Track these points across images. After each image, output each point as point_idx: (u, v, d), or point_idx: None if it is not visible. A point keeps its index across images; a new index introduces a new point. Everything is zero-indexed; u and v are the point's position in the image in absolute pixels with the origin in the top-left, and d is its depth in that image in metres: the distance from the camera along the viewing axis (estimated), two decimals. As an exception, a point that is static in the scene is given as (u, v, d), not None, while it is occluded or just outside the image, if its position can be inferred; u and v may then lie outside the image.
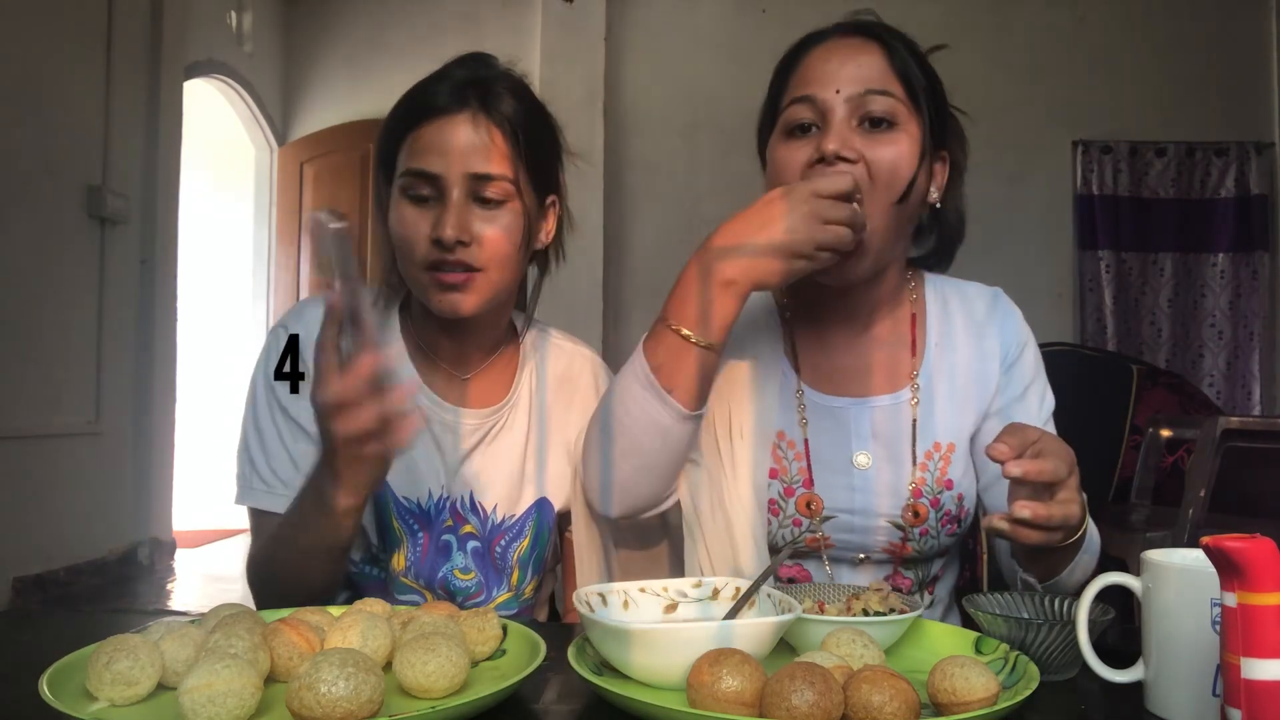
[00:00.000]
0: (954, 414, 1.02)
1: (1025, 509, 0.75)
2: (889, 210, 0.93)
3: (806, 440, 1.02)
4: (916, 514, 1.00)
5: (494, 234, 0.99)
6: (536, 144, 1.03)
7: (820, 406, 1.03)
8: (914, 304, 1.06)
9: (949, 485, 1.01)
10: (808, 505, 1.01)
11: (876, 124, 0.92)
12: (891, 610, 0.81)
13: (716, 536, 0.98)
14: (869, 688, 0.59)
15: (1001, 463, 0.76)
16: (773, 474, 1.01)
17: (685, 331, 0.88)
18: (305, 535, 0.91)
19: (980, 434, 1.03)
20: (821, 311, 1.04)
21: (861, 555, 1.02)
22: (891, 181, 0.92)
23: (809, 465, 1.01)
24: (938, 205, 1.00)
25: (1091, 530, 0.92)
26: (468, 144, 0.98)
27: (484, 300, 1.01)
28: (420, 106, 1.00)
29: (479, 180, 0.98)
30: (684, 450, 0.94)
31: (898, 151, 0.92)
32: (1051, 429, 1.03)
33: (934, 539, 1.01)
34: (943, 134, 0.99)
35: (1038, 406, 1.04)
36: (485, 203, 0.99)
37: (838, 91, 0.92)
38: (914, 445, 1.01)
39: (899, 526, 1.00)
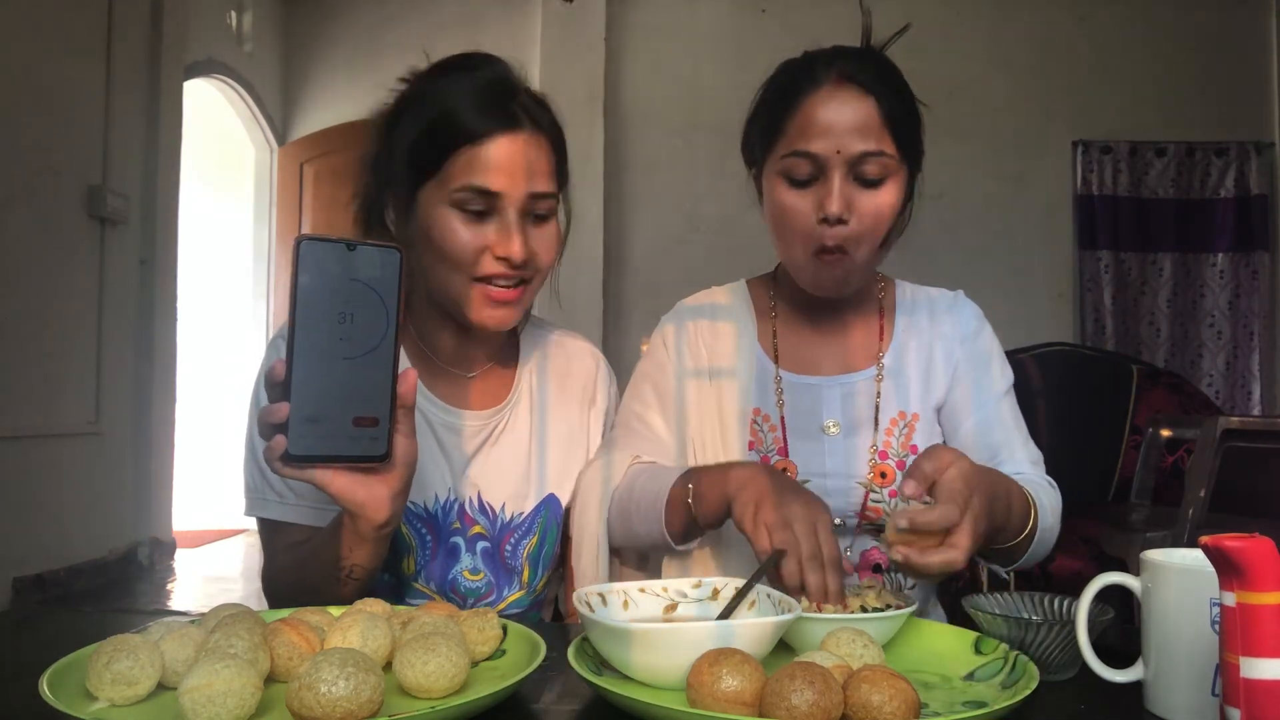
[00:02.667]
0: (919, 388, 1.14)
1: (900, 554, 0.80)
2: (873, 245, 1.05)
3: (783, 416, 1.13)
4: (883, 475, 1.10)
5: (545, 247, 1.03)
6: (565, 158, 1.07)
7: (796, 385, 1.15)
8: (884, 301, 1.19)
9: (914, 450, 1.11)
10: (782, 471, 1.09)
11: (870, 183, 1.03)
12: (889, 606, 0.81)
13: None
14: (869, 687, 0.59)
15: (910, 499, 0.82)
16: (751, 446, 1.13)
17: (694, 511, 0.99)
18: (332, 556, 0.89)
19: (948, 402, 1.14)
20: (803, 308, 1.18)
21: (836, 520, 1.09)
22: (880, 228, 1.04)
23: (784, 435, 1.12)
24: (907, 219, 1.11)
25: (1045, 505, 1.00)
26: (530, 163, 1.00)
27: (524, 311, 1.05)
28: (479, 120, 0.98)
29: (535, 199, 1.01)
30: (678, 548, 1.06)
31: (887, 203, 1.04)
32: (1011, 400, 1.14)
33: (904, 502, 1.06)
34: (919, 158, 1.09)
35: (999, 377, 1.15)
36: (536, 219, 1.02)
37: (838, 152, 1.01)
38: (880, 413, 1.12)
39: (869, 488, 1.09)
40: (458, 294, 1.01)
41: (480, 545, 1.08)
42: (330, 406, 0.77)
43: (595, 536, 1.08)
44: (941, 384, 1.14)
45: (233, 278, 5.79)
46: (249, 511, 1.04)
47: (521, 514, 1.10)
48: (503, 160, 0.98)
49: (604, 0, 5.27)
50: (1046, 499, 1.02)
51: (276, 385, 0.77)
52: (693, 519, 0.99)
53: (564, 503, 1.13)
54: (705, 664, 0.61)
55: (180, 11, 4.65)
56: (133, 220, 4.33)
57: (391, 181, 1.04)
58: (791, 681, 0.58)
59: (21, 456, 3.66)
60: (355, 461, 0.80)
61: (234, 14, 5.30)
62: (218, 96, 5.41)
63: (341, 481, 0.81)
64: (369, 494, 0.82)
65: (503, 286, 1.01)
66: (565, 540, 1.16)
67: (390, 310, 0.78)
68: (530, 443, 1.12)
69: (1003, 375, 1.15)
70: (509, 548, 1.09)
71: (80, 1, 4.02)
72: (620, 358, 5.04)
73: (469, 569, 1.07)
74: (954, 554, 0.79)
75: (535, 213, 1.01)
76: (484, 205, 0.99)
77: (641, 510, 1.04)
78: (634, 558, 1.15)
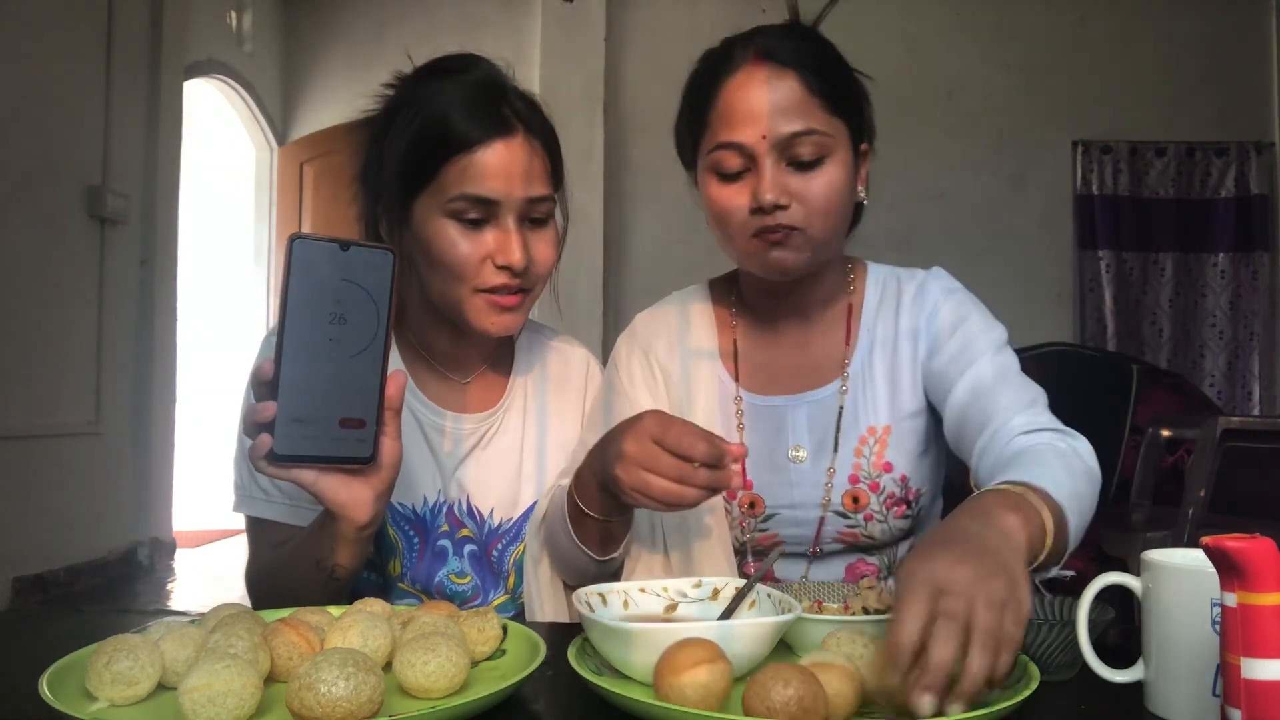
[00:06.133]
0: (888, 396, 1.04)
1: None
2: (827, 230, 0.97)
3: (743, 443, 1.05)
4: (856, 500, 1.03)
5: (545, 253, 1.01)
6: (560, 158, 1.06)
7: (758, 408, 1.07)
8: (852, 295, 1.09)
9: (887, 468, 1.03)
10: (750, 505, 1.05)
11: (805, 165, 0.95)
12: (890, 608, 0.80)
13: (679, 546, 1.02)
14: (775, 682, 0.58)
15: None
16: None
17: (585, 510, 0.92)
18: (314, 555, 0.89)
19: (931, 389, 1.02)
20: (765, 314, 1.09)
21: (814, 549, 1.05)
22: (826, 210, 0.96)
23: (745, 467, 1.05)
24: (863, 201, 1.04)
25: (1064, 477, 0.78)
26: (525, 167, 0.98)
27: (526, 315, 1.04)
28: (471, 126, 0.97)
29: (532, 203, 0.99)
30: (612, 570, 0.99)
31: (829, 183, 0.95)
32: (1007, 356, 0.99)
33: (882, 523, 1.03)
34: (863, 131, 1.01)
35: (976, 338, 1.00)
36: (534, 223, 1.01)
37: (764, 137, 0.94)
38: (846, 431, 1.03)
39: (842, 515, 1.03)
40: (460, 304, 1.00)
41: (468, 549, 1.07)
42: (317, 407, 0.77)
43: (541, 583, 1.02)
44: (911, 386, 1.04)
45: (233, 278, 5.79)
46: (237, 508, 1.04)
47: (511, 519, 1.09)
48: (498, 166, 0.97)
49: (604, 0, 5.27)
50: (1063, 468, 0.79)
51: (264, 384, 0.77)
52: (596, 522, 0.93)
53: None
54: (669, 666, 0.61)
55: (180, 11, 4.65)
56: (133, 220, 4.33)
57: (384, 193, 1.02)
58: (774, 681, 0.57)
59: (21, 456, 3.66)
60: (340, 462, 0.80)
61: (234, 14, 5.30)
62: (218, 96, 5.41)
63: (325, 481, 0.81)
64: (352, 495, 0.82)
65: (506, 294, 0.99)
66: None
67: (381, 312, 0.78)
68: (522, 448, 1.11)
69: (983, 334, 1.00)
70: (496, 553, 1.08)
71: (80, 1, 4.02)
72: (620, 358, 5.02)
73: (455, 572, 1.07)
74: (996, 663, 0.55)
75: (533, 216, 1.00)
76: (481, 213, 0.97)
77: (560, 533, 0.96)
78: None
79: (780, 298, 1.07)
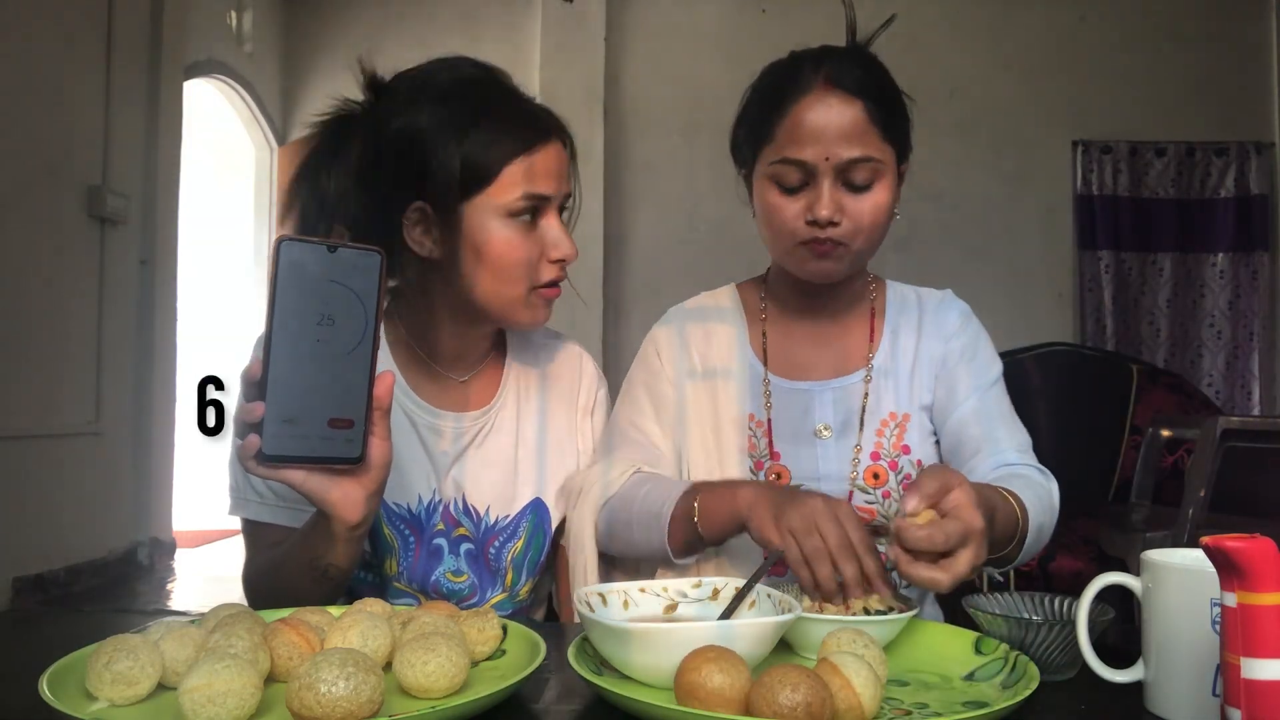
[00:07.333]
0: (908, 388, 1.14)
1: (893, 554, 0.77)
2: (868, 245, 1.06)
3: (770, 419, 1.13)
4: (876, 476, 1.10)
5: (572, 249, 1.06)
6: (576, 156, 1.10)
7: (787, 390, 1.15)
8: (874, 301, 1.19)
9: (905, 450, 1.11)
10: (776, 476, 1.11)
11: (859, 187, 1.03)
12: (891, 609, 0.81)
13: None
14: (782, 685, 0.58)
15: (909, 514, 0.77)
16: (749, 449, 1.13)
17: (700, 529, 0.98)
18: (308, 555, 0.89)
19: (935, 401, 1.13)
20: (794, 310, 1.18)
21: None
22: (871, 228, 1.05)
23: (772, 441, 1.13)
24: (897, 215, 1.10)
25: (1034, 506, 0.95)
26: (566, 167, 1.04)
27: None
28: (527, 129, 1.00)
29: (566, 199, 1.05)
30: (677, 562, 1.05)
31: (877, 204, 1.04)
32: (998, 391, 1.13)
33: (897, 502, 1.08)
34: (906, 153, 1.09)
35: (984, 369, 1.13)
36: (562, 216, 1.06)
37: (826, 159, 1.02)
38: (870, 414, 1.12)
39: (863, 490, 1.10)
40: (513, 301, 1.03)
41: (464, 547, 1.08)
42: (306, 407, 0.77)
43: (589, 546, 1.08)
44: (928, 384, 1.13)
45: (233, 278, 5.79)
46: (232, 511, 1.05)
47: (507, 517, 1.10)
48: (553, 165, 1.01)
49: (604, 0, 5.27)
50: (1036, 495, 0.98)
51: (252, 384, 0.77)
52: (697, 535, 0.98)
53: (552, 507, 1.13)
54: (692, 664, 0.61)
55: (180, 11, 4.65)
56: (133, 220, 4.33)
57: (430, 196, 1.00)
58: (782, 684, 0.57)
59: (21, 456, 3.66)
60: (329, 463, 0.80)
61: (234, 14, 5.30)
62: (218, 96, 5.42)
63: (315, 481, 0.81)
64: (343, 494, 0.82)
65: (553, 287, 1.04)
66: (555, 548, 1.15)
67: (369, 313, 0.78)
68: (517, 446, 1.12)
69: (988, 367, 1.13)
70: (493, 550, 1.09)
71: (80, 2, 4.02)
72: (620, 358, 5.03)
73: (452, 570, 1.07)
74: (941, 576, 0.76)
75: (563, 210, 1.05)
76: (535, 212, 1.01)
77: (643, 523, 1.03)
78: (631, 565, 1.13)
79: (811, 298, 1.15)
